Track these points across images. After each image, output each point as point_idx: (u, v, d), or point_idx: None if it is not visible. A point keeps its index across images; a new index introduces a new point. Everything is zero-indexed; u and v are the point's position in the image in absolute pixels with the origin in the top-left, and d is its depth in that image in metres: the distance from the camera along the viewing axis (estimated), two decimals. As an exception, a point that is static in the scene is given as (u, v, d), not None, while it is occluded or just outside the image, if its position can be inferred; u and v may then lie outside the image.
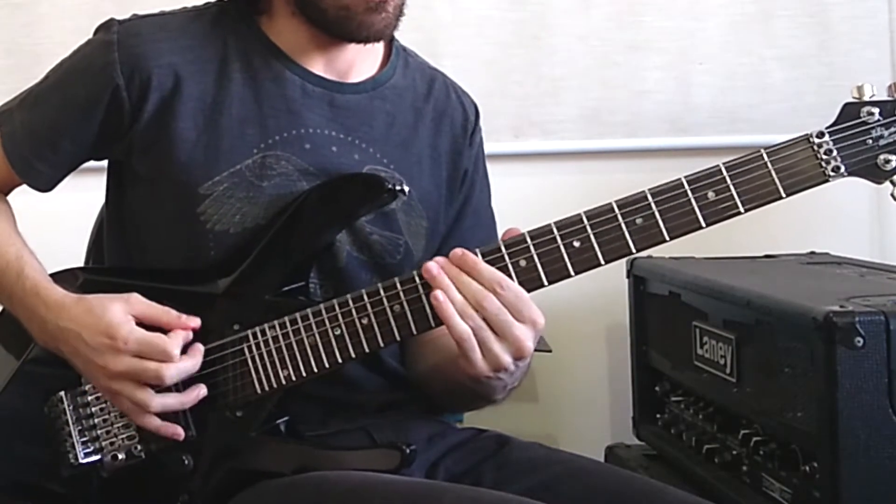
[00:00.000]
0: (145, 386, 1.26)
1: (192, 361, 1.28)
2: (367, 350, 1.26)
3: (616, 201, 1.22)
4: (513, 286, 1.21)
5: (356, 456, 1.28)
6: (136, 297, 1.29)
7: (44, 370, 1.35)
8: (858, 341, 1.42)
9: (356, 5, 1.31)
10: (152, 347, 1.26)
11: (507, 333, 1.20)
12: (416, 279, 1.25)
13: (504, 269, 1.22)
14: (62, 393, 1.34)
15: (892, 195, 1.23)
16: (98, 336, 1.27)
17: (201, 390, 1.29)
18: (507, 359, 1.20)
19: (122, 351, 1.26)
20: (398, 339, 1.26)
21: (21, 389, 1.38)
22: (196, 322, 1.29)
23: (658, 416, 2.03)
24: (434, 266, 1.22)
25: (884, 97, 1.22)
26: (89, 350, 1.27)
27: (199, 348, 1.29)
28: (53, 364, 1.33)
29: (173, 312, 1.29)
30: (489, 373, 1.21)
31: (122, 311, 1.27)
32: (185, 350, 1.28)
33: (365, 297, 1.26)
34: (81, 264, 1.57)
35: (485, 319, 1.20)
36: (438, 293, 1.20)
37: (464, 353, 1.20)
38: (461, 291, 1.21)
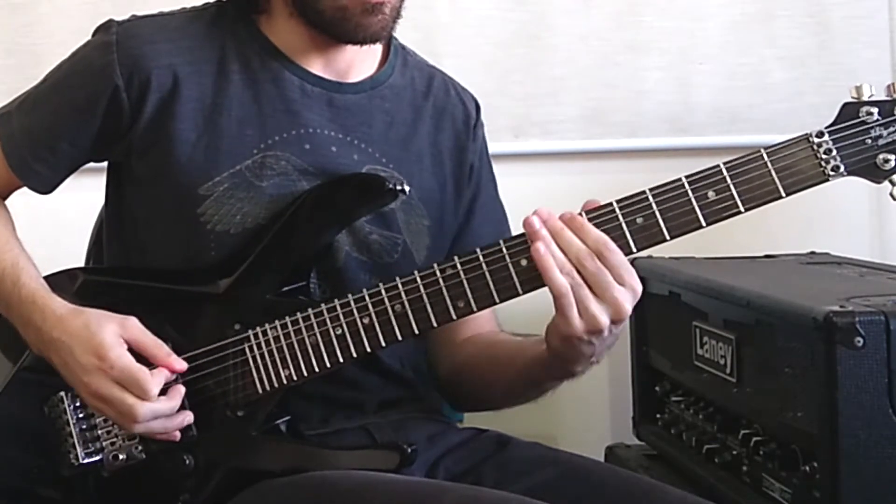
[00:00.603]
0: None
1: (169, 405, 1.27)
2: (368, 349, 1.26)
3: (616, 201, 1.22)
4: (618, 252, 1.18)
5: (357, 455, 1.28)
6: (132, 322, 1.29)
7: (44, 371, 1.34)
8: (858, 341, 1.42)
9: (353, 6, 1.31)
10: (133, 381, 1.25)
11: (606, 294, 1.17)
12: (418, 279, 1.25)
13: (506, 269, 1.23)
14: (62, 393, 1.33)
15: (891, 194, 1.23)
16: (87, 354, 1.26)
17: (187, 417, 1.29)
18: (605, 319, 1.18)
19: (106, 374, 1.25)
20: (399, 338, 1.26)
21: (21, 389, 1.37)
22: (182, 366, 1.29)
23: (658, 416, 2.03)
24: (536, 220, 1.21)
25: (882, 97, 1.23)
26: (77, 366, 1.27)
27: (180, 391, 1.28)
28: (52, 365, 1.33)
29: (164, 349, 1.29)
30: (584, 334, 1.19)
31: (115, 333, 1.27)
32: (165, 391, 1.27)
33: (366, 297, 1.26)
34: (81, 264, 1.57)
35: (584, 278, 1.18)
36: (539, 245, 1.18)
37: (560, 309, 1.18)
38: (562, 248, 1.18)
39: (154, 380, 1.26)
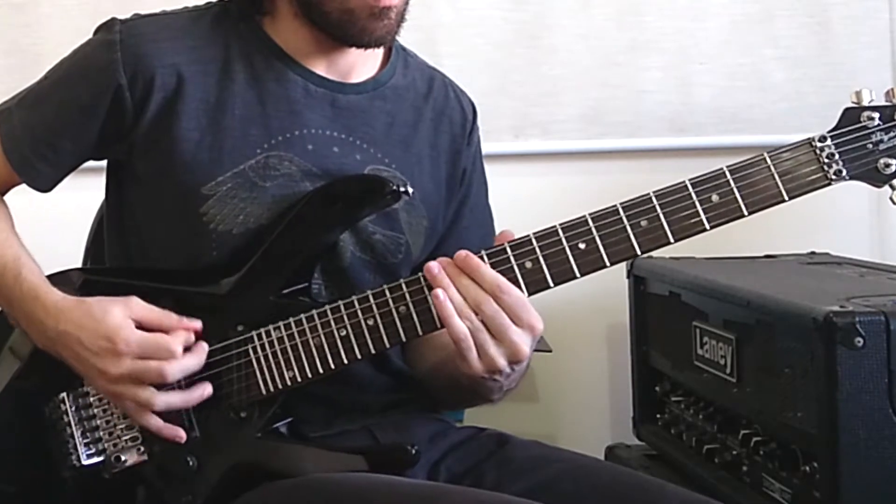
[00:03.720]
0: (148, 385, 1.26)
1: (196, 359, 1.27)
2: (372, 351, 1.26)
3: (621, 203, 1.23)
4: (513, 291, 1.21)
5: (359, 458, 1.28)
6: (135, 301, 1.29)
7: (45, 371, 1.34)
8: (858, 341, 1.42)
9: (360, 10, 1.31)
10: (155, 347, 1.25)
11: (504, 337, 1.21)
12: (422, 280, 1.25)
13: (510, 271, 1.23)
14: (64, 394, 1.34)
15: (891, 199, 1.24)
16: (98, 340, 1.26)
17: (206, 389, 1.29)
18: (502, 362, 1.21)
19: (123, 354, 1.25)
20: (404, 340, 1.26)
21: (21, 391, 1.37)
22: (197, 324, 1.29)
23: (658, 416, 2.03)
24: (435, 265, 1.23)
25: (882, 102, 1.23)
26: (89, 354, 1.27)
27: (203, 346, 1.29)
28: (54, 365, 1.33)
29: (174, 315, 1.29)
30: (484, 374, 1.23)
31: (121, 314, 1.27)
32: (188, 349, 1.28)
33: (370, 299, 1.26)
34: (80, 264, 1.56)
35: (483, 322, 1.21)
36: (438, 291, 1.21)
37: (460, 352, 1.21)
38: (461, 292, 1.21)
39: (176, 339, 1.26)
